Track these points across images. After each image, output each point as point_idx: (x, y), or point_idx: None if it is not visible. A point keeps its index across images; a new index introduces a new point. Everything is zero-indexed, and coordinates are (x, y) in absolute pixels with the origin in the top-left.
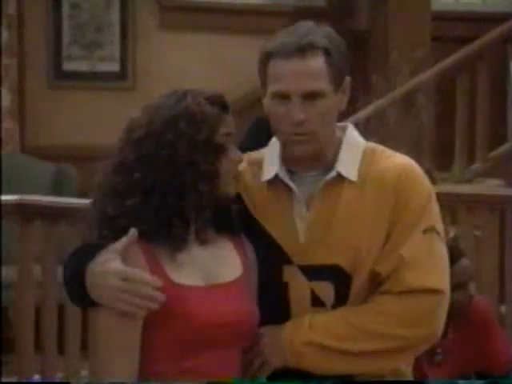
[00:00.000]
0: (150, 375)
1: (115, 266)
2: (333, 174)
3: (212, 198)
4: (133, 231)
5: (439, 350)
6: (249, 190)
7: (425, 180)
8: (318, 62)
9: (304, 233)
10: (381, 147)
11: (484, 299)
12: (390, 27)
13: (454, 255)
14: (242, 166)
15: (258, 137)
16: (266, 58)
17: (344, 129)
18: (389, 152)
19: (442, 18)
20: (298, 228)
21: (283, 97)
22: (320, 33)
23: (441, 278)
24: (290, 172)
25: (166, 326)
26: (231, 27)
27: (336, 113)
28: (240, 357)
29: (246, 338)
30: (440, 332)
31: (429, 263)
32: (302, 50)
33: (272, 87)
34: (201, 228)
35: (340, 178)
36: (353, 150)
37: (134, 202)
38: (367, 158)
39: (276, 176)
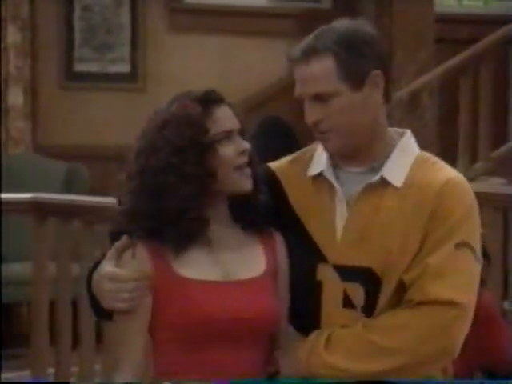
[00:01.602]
0: (163, 366)
1: (105, 270)
2: (377, 177)
3: (213, 193)
4: (125, 236)
5: None
6: (292, 185)
7: (469, 196)
8: (322, 65)
9: (342, 232)
10: (434, 158)
11: (489, 295)
12: (394, 29)
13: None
14: (284, 161)
15: (264, 135)
16: None
17: (401, 134)
18: (441, 164)
19: (445, 20)
20: (336, 227)
21: (301, 100)
22: (332, 33)
23: (464, 292)
24: (337, 166)
25: (173, 318)
26: (239, 29)
27: (366, 109)
28: (262, 355)
29: (261, 336)
30: (458, 348)
31: (453, 276)
32: (305, 55)
33: (295, 90)
34: (202, 227)
35: (384, 181)
36: (404, 156)
37: (125, 208)
38: (417, 166)
39: (321, 172)
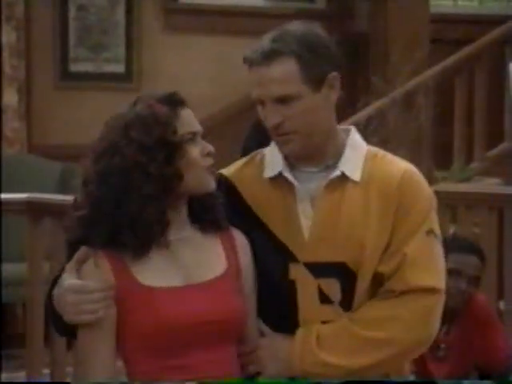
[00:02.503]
0: (136, 375)
1: (69, 282)
2: (337, 173)
3: (177, 195)
4: (83, 247)
5: (443, 346)
6: (249, 189)
7: (425, 184)
8: (285, 68)
9: (309, 230)
10: (382, 151)
11: (484, 296)
12: (389, 29)
13: (472, 250)
14: (235, 165)
15: (259, 135)
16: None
17: (347, 131)
18: (390, 156)
19: (440, 20)
20: (302, 225)
21: (260, 102)
22: (291, 36)
23: (440, 278)
24: (293, 167)
25: (140, 328)
26: (234, 29)
27: (324, 110)
28: (235, 355)
29: (232, 336)
30: (435, 334)
31: (430, 263)
32: (267, 57)
33: (252, 93)
34: (163, 229)
35: (343, 177)
36: (356, 152)
37: (83, 214)
38: (369, 160)
39: (279, 173)
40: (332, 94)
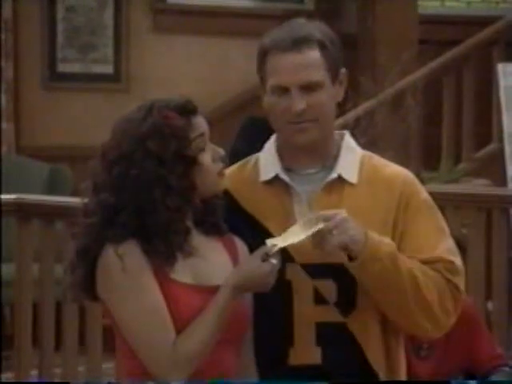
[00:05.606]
0: (135, 368)
1: None
2: (334, 175)
3: (195, 204)
4: None
5: (425, 346)
6: (244, 192)
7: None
8: (314, 55)
9: None
10: (375, 155)
11: (469, 299)
12: (377, 30)
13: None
14: (229, 170)
15: (248, 136)
16: (264, 54)
17: (342, 135)
18: (384, 160)
19: (428, 21)
20: None
21: (283, 90)
22: (313, 27)
23: None
24: (288, 170)
25: None
26: (223, 29)
27: (334, 104)
28: (237, 356)
29: (239, 337)
30: None
31: None
32: (298, 43)
33: (271, 81)
34: (186, 237)
35: (340, 179)
36: (351, 154)
37: (93, 221)
38: (365, 164)
39: (275, 176)
40: (340, 91)
